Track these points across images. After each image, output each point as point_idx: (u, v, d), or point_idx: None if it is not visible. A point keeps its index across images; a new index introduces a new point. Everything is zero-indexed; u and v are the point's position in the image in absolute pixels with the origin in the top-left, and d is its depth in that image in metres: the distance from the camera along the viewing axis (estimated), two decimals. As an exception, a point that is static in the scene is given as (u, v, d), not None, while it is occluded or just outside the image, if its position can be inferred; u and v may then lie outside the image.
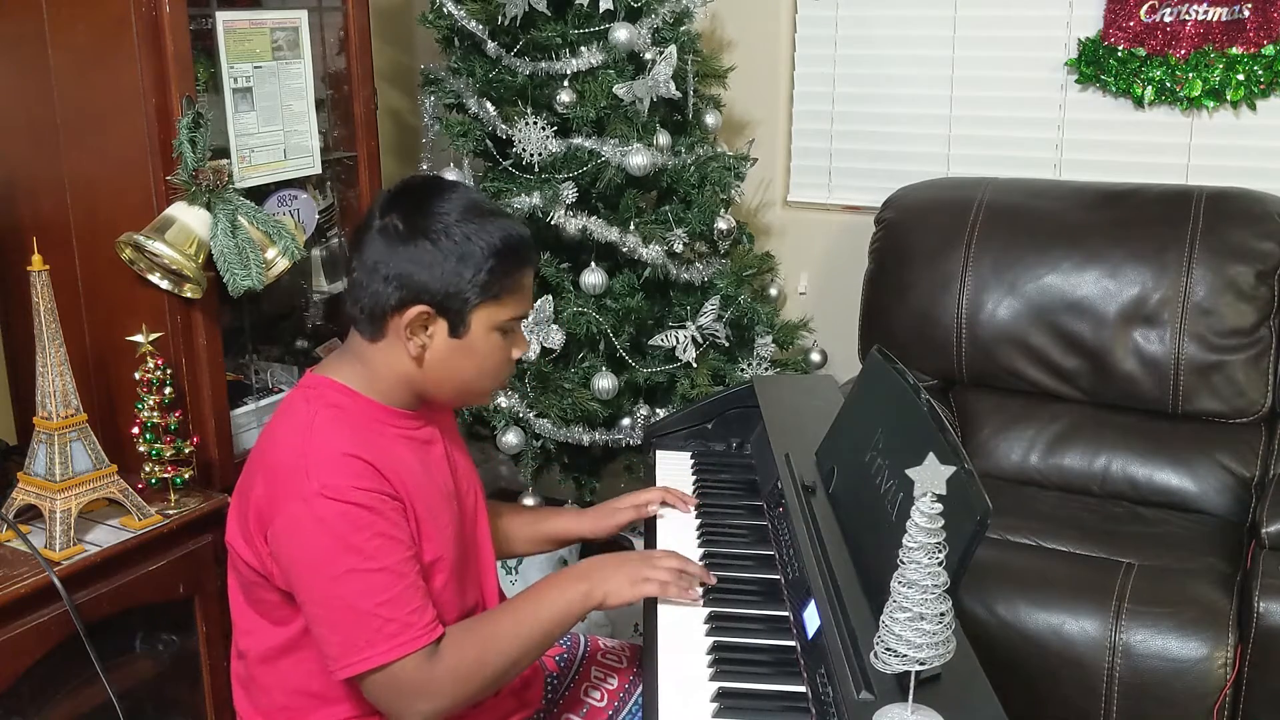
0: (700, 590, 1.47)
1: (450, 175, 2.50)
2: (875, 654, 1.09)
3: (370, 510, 1.29)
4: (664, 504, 1.75)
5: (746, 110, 3.13)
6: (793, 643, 1.37)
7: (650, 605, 1.47)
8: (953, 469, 1.06)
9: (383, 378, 1.40)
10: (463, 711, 1.42)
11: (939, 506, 1.06)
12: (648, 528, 1.74)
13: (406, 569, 1.32)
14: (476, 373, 1.42)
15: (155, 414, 1.93)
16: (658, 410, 2.58)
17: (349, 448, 1.32)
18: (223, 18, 2.04)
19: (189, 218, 1.95)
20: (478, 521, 1.55)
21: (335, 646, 1.31)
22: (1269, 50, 2.56)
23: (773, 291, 2.91)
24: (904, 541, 1.07)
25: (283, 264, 2.06)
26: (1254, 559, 2.08)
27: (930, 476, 1.06)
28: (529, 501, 2.56)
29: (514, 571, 2.69)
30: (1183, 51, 2.64)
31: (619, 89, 2.44)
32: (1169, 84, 2.67)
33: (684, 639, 1.39)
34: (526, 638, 1.38)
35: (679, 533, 1.69)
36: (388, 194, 1.39)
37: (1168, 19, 2.64)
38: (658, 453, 1.99)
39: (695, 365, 2.54)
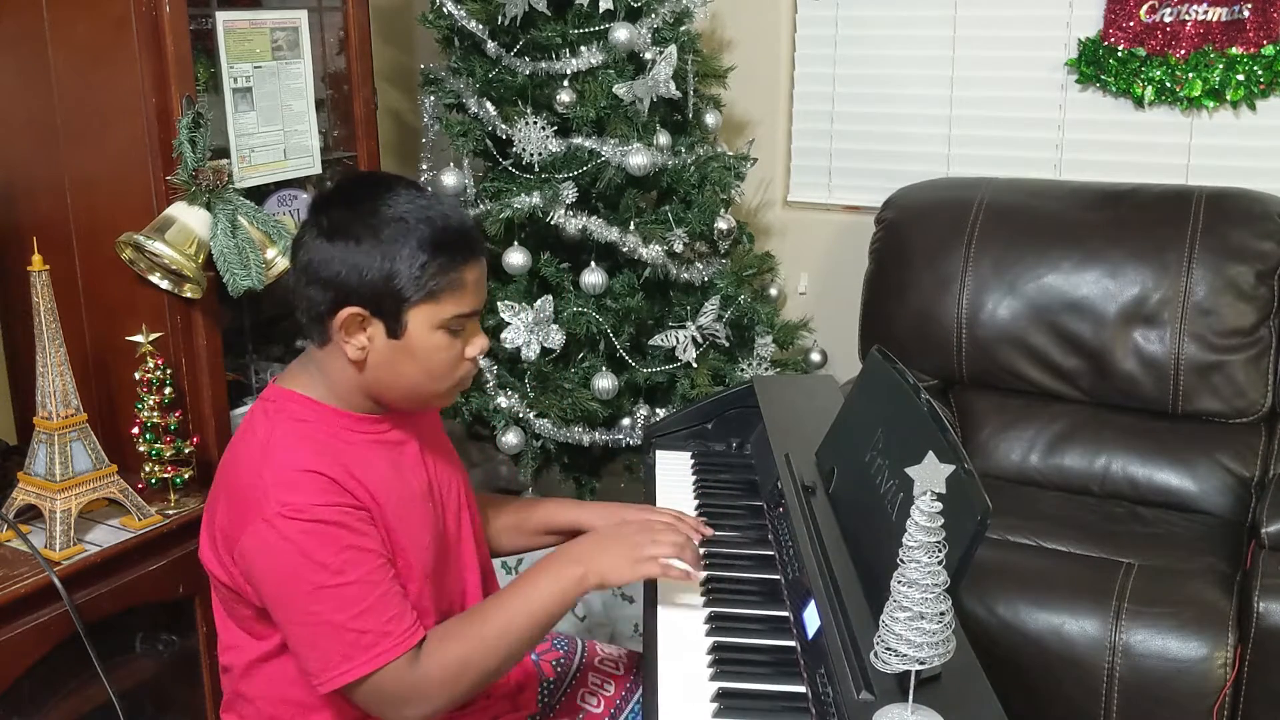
0: (696, 647, 1.37)
1: (450, 176, 2.50)
2: (875, 654, 1.09)
3: (334, 524, 1.27)
4: None
5: (746, 110, 3.13)
6: (793, 643, 1.37)
7: (650, 604, 1.47)
8: (952, 468, 1.07)
9: (339, 383, 1.37)
10: (454, 711, 1.41)
11: (938, 505, 1.06)
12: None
13: (379, 576, 1.29)
14: (423, 374, 1.36)
15: (155, 414, 1.93)
16: (658, 410, 2.58)
17: (307, 463, 1.29)
18: (223, 18, 2.04)
19: (189, 218, 1.95)
20: (461, 522, 1.52)
21: (314, 662, 1.29)
22: (1269, 50, 2.56)
23: (773, 291, 2.91)
24: (904, 540, 1.07)
25: (283, 264, 2.06)
26: (1254, 559, 2.08)
27: (929, 475, 1.06)
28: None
29: (513, 571, 2.68)
30: (1183, 51, 2.64)
31: (619, 89, 2.44)
32: (1169, 84, 2.67)
33: (684, 639, 1.39)
34: (516, 631, 1.34)
35: (679, 532, 1.69)
36: (320, 193, 1.35)
37: (1168, 19, 2.64)
38: (658, 453, 1.99)
39: (695, 365, 2.54)
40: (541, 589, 1.36)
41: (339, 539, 1.27)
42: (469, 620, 1.37)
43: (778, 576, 1.53)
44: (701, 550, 1.61)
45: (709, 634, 1.40)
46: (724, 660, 1.34)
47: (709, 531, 1.60)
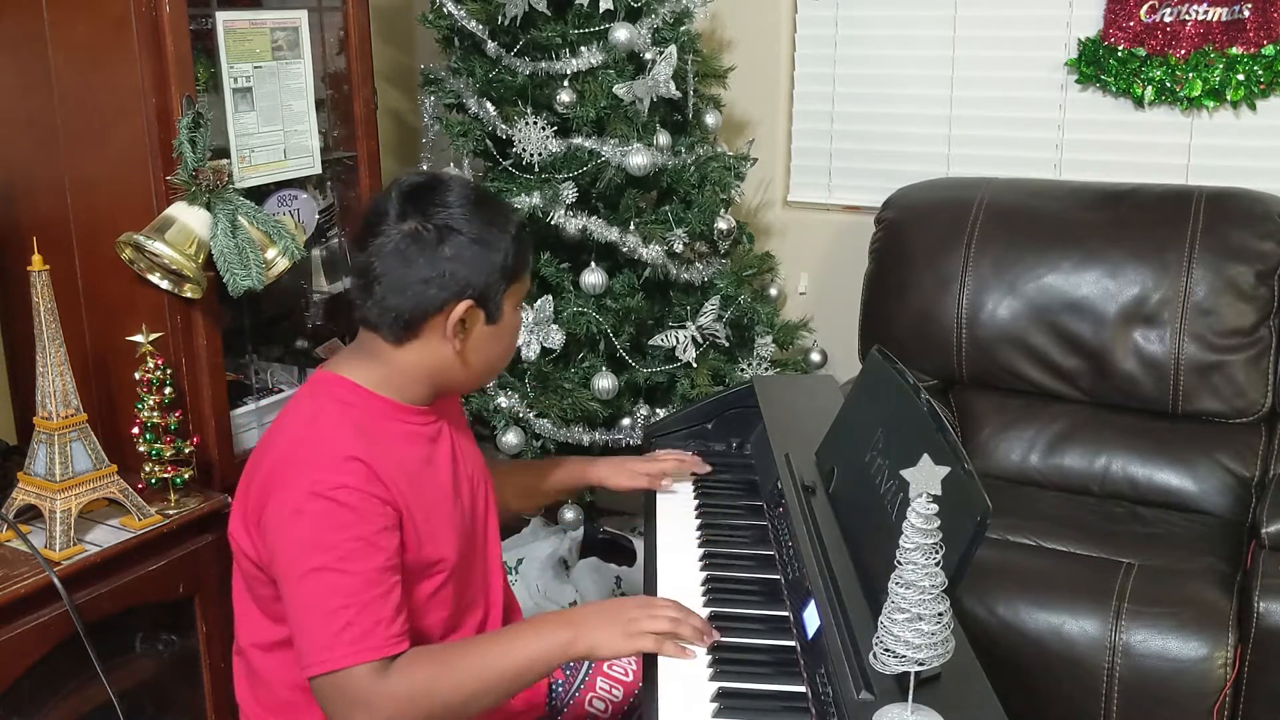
0: (697, 650, 1.35)
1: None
2: (874, 655, 1.09)
3: (355, 511, 1.28)
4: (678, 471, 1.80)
5: (746, 110, 3.13)
6: (793, 643, 1.37)
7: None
8: (946, 469, 1.07)
9: (405, 375, 1.40)
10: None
11: (934, 507, 1.06)
12: (647, 526, 1.74)
13: (381, 579, 1.29)
14: (504, 351, 1.47)
15: (155, 414, 1.93)
16: (658, 410, 2.58)
17: (349, 449, 1.31)
18: (223, 18, 2.04)
19: (189, 218, 1.95)
20: (489, 517, 1.55)
21: (303, 644, 1.29)
22: (1269, 50, 2.56)
23: (773, 291, 2.91)
24: (900, 542, 1.07)
25: (283, 264, 2.06)
26: (1254, 559, 2.08)
27: (925, 477, 1.06)
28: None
29: (514, 572, 2.69)
30: (1183, 51, 2.64)
31: (619, 89, 2.44)
32: (1169, 84, 2.67)
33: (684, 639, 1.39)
34: (487, 677, 1.31)
35: (680, 532, 1.69)
36: (399, 198, 1.37)
37: (1168, 19, 2.64)
38: (658, 453, 1.98)
39: (695, 365, 2.54)
40: (525, 643, 1.34)
41: (354, 527, 1.28)
42: (447, 650, 1.36)
43: (778, 576, 1.54)
44: (701, 551, 1.61)
45: (709, 634, 1.40)
46: (724, 660, 1.34)
47: (716, 637, 1.39)
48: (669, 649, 1.34)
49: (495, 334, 1.41)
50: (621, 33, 2.42)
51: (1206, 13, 2.60)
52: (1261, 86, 2.59)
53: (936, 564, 1.06)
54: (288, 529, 1.29)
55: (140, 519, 1.93)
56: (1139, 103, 2.72)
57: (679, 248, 2.54)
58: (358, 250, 1.39)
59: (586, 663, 1.70)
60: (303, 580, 1.28)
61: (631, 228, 2.49)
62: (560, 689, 1.67)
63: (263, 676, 1.44)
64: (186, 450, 1.98)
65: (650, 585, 1.57)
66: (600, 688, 1.67)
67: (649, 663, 1.35)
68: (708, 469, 1.84)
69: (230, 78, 2.06)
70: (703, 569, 1.57)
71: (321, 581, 1.27)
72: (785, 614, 1.44)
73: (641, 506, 1.85)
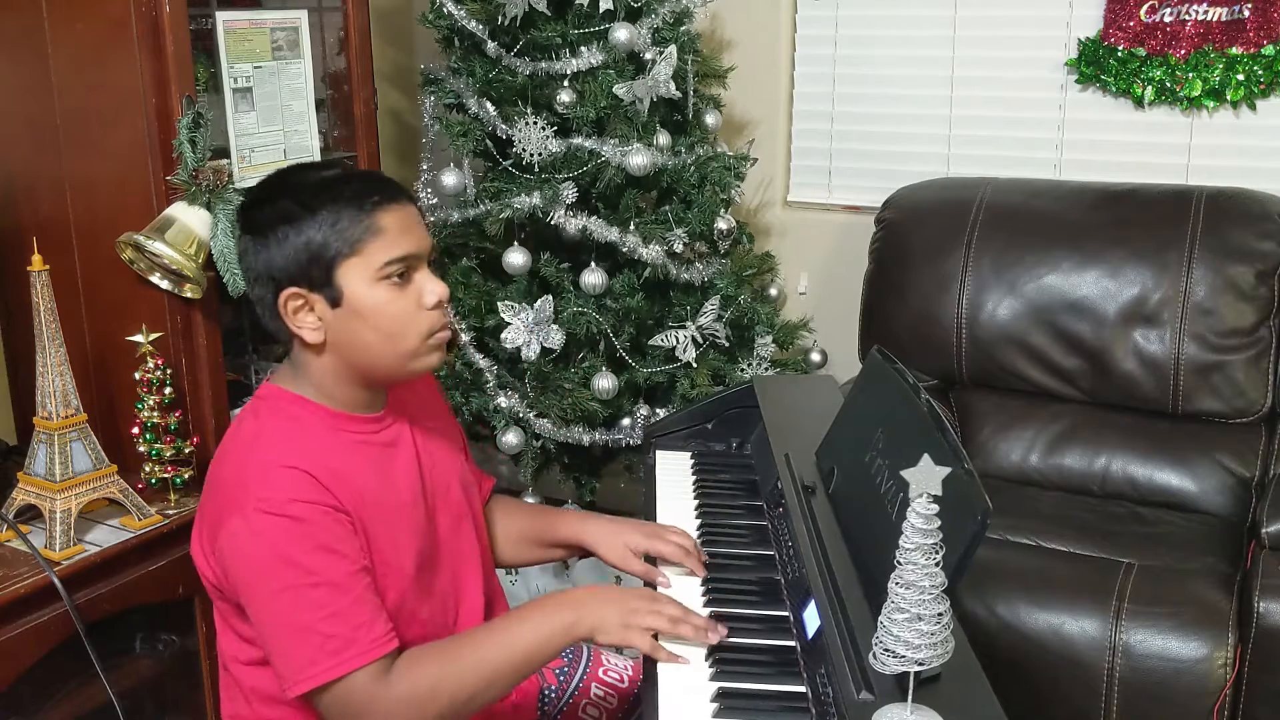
0: (694, 653, 1.32)
1: (450, 176, 2.51)
2: (874, 655, 1.09)
3: (308, 523, 1.25)
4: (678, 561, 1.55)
5: (746, 110, 3.13)
6: (793, 643, 1.37)
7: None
8: (948, 470, 1.06)
9: (321, 376, 1.36)
10: None
11: (935, 507, 1.05)
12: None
13: (351, 583, 1.26)
14: (382, 335, 1.32)
15: (155, 414, 1.94)
16: (658, 410, 2.58)
17: (289, 459, 1.28)
18: (223, 18, 2.04)
19: (189, 218, 1.95)
20: (461, 530, 1.50)
21: (281, 664, 1.27)
22: (1269, 50, 2.56)
23: (773, 291, 2.91)
24: (900, 542, 1.07)
25: (283, 264, 2.05)
26: (1254, 559, 2.08)
27: (925, 477, 1.06)
28: (529, 501, 2.56)
29: (514, 573, 2.68)
30: (1183, 51, 2.64)
31: (619, 89, 2.44)
32: (1169, 84, 2.67)
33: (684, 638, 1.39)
34: (493, 667, 1.30)
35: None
36: (237, 210, 1.41)
37: (1168, 19, 2.64)
38: (658, 453, 1.98)
39: (695, 365, 2.54)
40: (526, 629, 1.32)
41: (313, 538, 1.25)
42: (447, 646, 1.34)
43: (778, 576, 1.53)
44: (703, 553, 1.61)
45: (709, 634, 1.39)
46: (724, 660, 1.33)
47: (723, 633, 1.38)
48: (661, 655, 1.31)
49: (350, 315, 1.31)
50: (621, 33, 2.42)
51: (1206, 13, 2.60)
52: (1261, 86, 2.59)
53: (936, 564, 1.06)
54: (246, 554, 1.26)
55: (140, 519, 1.93)
56: (1139, 103, 2.72)
57: (679, 248, 2.54)
58: None
59: (581, 668, 1.68)
60: (271, 601, 1.25)
61: (631, 228, 2.49)
62: (553, 694, 1.65)
63: (241, 688, 1.42)
64: (186, 450, 1.98)
65: (650, 585, 1.56)
66: (595, 694, 1.65)
67: (649, 662, 1.35)
68: (703, 573, 1.53)
69: (230, 78, 2.06)
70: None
71: (291, 599, 1.24)
72: (785, 614, 1.44)
73: (641, 507, 1.85)
